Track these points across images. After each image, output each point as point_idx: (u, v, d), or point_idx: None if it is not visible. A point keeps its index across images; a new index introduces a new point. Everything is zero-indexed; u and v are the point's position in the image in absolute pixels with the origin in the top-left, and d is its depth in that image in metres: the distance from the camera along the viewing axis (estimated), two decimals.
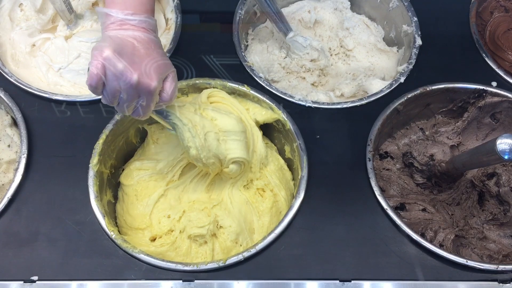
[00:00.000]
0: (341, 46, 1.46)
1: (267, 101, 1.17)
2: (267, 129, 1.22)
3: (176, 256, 1.05)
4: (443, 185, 1.19)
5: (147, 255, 0.98)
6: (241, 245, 1.07)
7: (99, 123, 1.14)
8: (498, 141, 0.93)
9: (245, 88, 1.18)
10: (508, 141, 0.93)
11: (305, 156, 1.10)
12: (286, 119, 1.14)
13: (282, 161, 1.20)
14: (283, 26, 1.35)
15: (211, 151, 1.02)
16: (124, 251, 0.98)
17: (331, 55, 1.45)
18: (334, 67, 1.44)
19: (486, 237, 1.13)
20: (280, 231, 1.01)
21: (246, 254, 0.98)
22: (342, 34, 1.45)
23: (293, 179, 1.19)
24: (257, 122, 1.17)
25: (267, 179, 1.14)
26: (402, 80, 1.23)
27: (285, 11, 1.50)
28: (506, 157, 0.93)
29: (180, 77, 1.21)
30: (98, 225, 1.01)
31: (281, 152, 1.23)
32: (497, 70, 1.24)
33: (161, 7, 1.37)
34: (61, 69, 1.21)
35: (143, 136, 1.25)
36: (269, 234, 1.00)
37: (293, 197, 1.07)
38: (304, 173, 1.08)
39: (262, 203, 1.12)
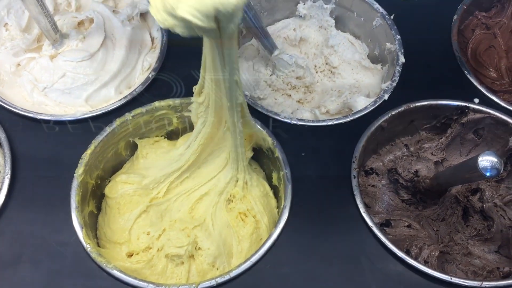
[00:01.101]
0: (326, 63, 1.47)
1: (258, 126, 1.17)
2: (257, 154, 1.23)
3: (151, 274, 1.05)
4: (428, 201, 1.20)
5: (120, 271, 0.98)
6: (217, 269, 1.07)
7: (84, 142, 1.13)
8: (480, 159, 0.94)
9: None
10: (490, 158, 0.94)
11: (289, 186, 1.10)
12: (275, 147, 1.15)
13: (268, 188, 1.20)
14: (269, 44, 1.37)
15: None
16: (98, 265, 0.98)
17: (316, 72, 1.47)
18: (319, 84, 1.45)
19: (471, 253, 1.13)
20: (256, 259, 1.00)
21: (220, 280, 0.97)
22: (327, 52, 1.47)
23: (278, 207, 1.19)
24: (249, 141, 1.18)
25: (250, 205, 1.14)
26: (386, 97, 1.24)
27: (270, 29, 1.52)
28: (487, 174, 0.94)
29: (169, 94, 1.22)
30: (81, 246, 1.01)
31: (269, 179, 1.23)
32: (479, 87, 1.25)
33: (147, 26, 1.38)
34: (46, 89, 1.20)
35: (133, 149, 1.25)
36: (245, 261, 1.00)
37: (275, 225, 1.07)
38: (288, 202, 1.08)
39: (243, 228, 1.12)
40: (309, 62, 1.47)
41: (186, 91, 1.24)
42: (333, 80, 1.46)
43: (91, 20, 1.31)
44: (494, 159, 0.94)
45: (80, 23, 1.34)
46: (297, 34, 1.48)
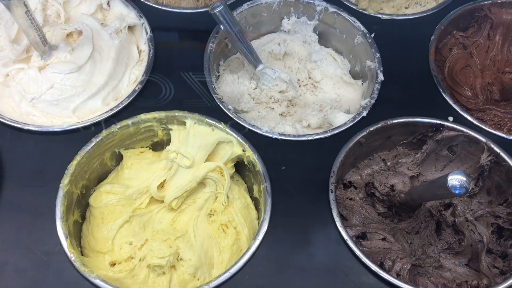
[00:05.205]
0: (309, 78, 1.52)
1: (241, 140, 1.21)
2: (240, 167, 1.27)
3: (133, 283, 1.08)
4: (403, 214, 1.25)
5: (103, 281, 1.01)
6: (198, 279, 1.10)
7: (71, 153, 1.16)
8: (450, 177, 0.99)
9: (221, 126, 1.23)
10: (459, 177, 0.99)
11: (269, 199, 1.14)
12: (256, 161, 1.19)
13: (249, 200, 1.24)
14: (253, 58, 1.41)
15: None
16: (81, 275, 1.01)
17: (299, 86, 1.51)
18: (302, 97, 1.49)
19: (442, 266, 1.18)
20: (235, 271, 1.04)
21: None
22: (310, 66, 1.52)
23: (258, 218, 1.22)
24: (231, 160, 1.23)
25: (232, 216, 1.18)
26: (364, 114, 1.29)
27: (255, 43, 1.56)
28: (456, 192, 0.98)
29: (154, 106, 1.26)
30: (66, 256, 1.03)
31: (250, 190, 1.27)
32: (453, 105, 1.31)
33: (135, 39, 1.41)
34: (34, 100, 1.23)
35: (118, 159, 1.28)
36: (224, 272, 1.04)
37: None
38: (267, 215, 1.12)
39: (224, 239, 1.15)
40: (293, 76, 1.51)
41: (171, 103, 1.27)
42: (316, 94, 1.50)
43: (80, 32, 1.34)
44: (463, 178, 0.98)
45: (69, 35, 1.37)
46: (281, 48, 1.52)
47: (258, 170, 1.18)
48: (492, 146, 1.23)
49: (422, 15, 1.49)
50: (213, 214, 1.20)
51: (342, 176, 1.30)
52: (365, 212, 1.26)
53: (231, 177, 1.24)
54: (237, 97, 1.45)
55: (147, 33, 1.38)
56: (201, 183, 1.21)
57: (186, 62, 1.36)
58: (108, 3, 1.43)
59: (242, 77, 1.48)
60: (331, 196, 1.14)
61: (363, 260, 1.05)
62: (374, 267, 1.04)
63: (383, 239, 1.19)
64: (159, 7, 1.44)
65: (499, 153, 1.23)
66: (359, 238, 1.20)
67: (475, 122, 1.28)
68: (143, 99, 1.27)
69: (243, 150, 1.21)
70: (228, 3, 1.45)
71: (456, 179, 0.98)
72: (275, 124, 1.37)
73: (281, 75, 1.43)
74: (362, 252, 1.08)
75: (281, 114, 1.45)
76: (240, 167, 1.28)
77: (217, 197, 1.21)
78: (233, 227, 1.18)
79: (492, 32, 1.52)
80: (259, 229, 1.11)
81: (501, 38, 1.52)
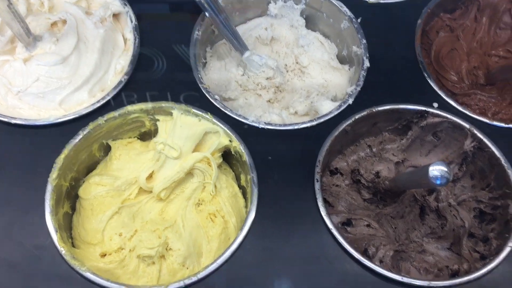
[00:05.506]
0: (297, 63, 1.52)
1: (228, 130, 1.22)
2: (227, 155, 1.28)
3: (123, 274, 1.10)
4: (388, 200, 1.28)
5: (94, 273, 1.03)
6: (187, 268, 1.13)
7: (58, 146, 1.17)
8: (431, 168, 1.01)
9: (208, 116, 1.23)
10: (440, 168, 1.01)
11: (256, 189, 1.16)
12: (243, 151, 1.20)
13: (236, 188, 1.26)
14: (240, 45, 1.40)
15: None
16: (72, 268, 1.03)
17: (287, 71, 1.51)
18: (289, 83, 1.50)
19: (425, 250, 1.22)
20: (222, 261, 1.07)
21: (187, 281, 1.04)
22: (297, 51, 1.52)
23: (246, 207, 1.24)
24: (218, 150, 1.24)
25: (220, 205, 1.20)
26: (350, 101, 1.29)
27: (242, 27, 1.55)
28: (437, 182, 1.00)
29: (141, 97, 1.26)
30: (56, 249, 1.06)
31: (238, 179, 1.29)
32: (438, 91, 1.32)
33: (120, 27, 1.40)
34: (20, 92, 1.23)
35: (107, 150, 1.29)
36: (212, 263, 1.06)
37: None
38: (254, 206, 1.14)
39: (212, 228, 1.18)
40: (280, 61, 1.51)
41: (158, 94, 1.28)
42: (303, 79, 1.50)
43: (64, 21, 1.33)
44: (444, 169, 1.00)
45: (54, 24, 1.35)
46: (268, 33, 1.52)
47: (245, 161, 1.20)
48: (476, 132, 1.25)
49: None
50: (201, 204, 1.22)
51: (328, 163, 1.32)
52: (350, 199, 1.28)
53: (219, 166, 1.26)
54: (225, 84, 1.46)
55: (132, 21, 1.37)
56: (189, 173, 1.22)
57: (172, 51, 1.36)
58: None
59: (229, 63, 1.48)
60: (317, 186, 1.16)
61: (346, 248, 1.08)
62: (357, 255, 1.07)
63: (368, 225, 1.22)
64: None
65: (482, 139, 1.24)
66: (345, 224, 1.23)
67: (460, 108, 1.29)
68: (130, 90, 1.28)
69: (230, 141, 1.22)
70: None
71: (437, 170, 1.00)
72: (262, 113, 1.38)
73: (268, 61, 1.43)
74: (347, 239, 1.11)
75: (269, 101, 1.46)
76: (228, 156, 1.29)
77: (205, 187, 1.23)
78: (221, 216, 1.20)
79: (479, 14, 1.52)
80: (246, 219, 1.13)
81: (488, 20, 1.52)
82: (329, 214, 1.15)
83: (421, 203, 1.27)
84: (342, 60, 1.52)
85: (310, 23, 1.56)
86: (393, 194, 1.26)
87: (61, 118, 1.21)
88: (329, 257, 1.09)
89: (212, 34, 1.50)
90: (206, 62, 1.50)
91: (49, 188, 1.12)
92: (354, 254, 1.07)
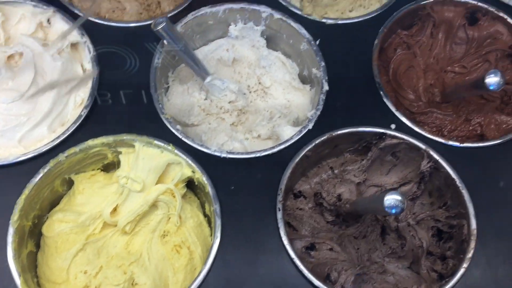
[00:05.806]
0: (259, 83, 1.53)
1: (190, 161, 1.23)
2: (192, 183, 1.29)
3: None
4: (350, 221, 1.31)
5: None
6: None
7: (18, 186, 1.17)
8: (386, 197, 1.04)
9: (170, 148, 1.24)
10: (394, 197, 1.04)
11: (219, 221, 1.18)
12: (206, 182, 1.21)
13: (202, 217, 1.28)
14: (201, 71, 1.41)
15: None
16: None
17: (250, 92, 1.53)
18: (253, 104, 1.51)
19: (386, 270, 1.26)
20: None
21: None
22: (259, 72, 1.53)
23: (211, 235, 1.26)
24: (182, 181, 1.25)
25: (185, 236, 1.22)
26: (310, 126, 1.32)
27: (204, 50, 1.56)
28: (393, 211, 1.04)
29: (102, 130, 1.26)
30: None
31: (203, 206, 1.30)
32: (395, 113, 1.35)
33: (79, 57, 1.39)
34: None
35: (70, 184, 1.29)
36: None
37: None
38: (217, 237, 1.16)
39: (178, 259, 1.19)
40: (243, 83, 1.52)
41: (119, 125, 1.28)
42: (266, 100, 1.52)
43: (21, 54, 1.32)
44: (398, 198, 1.03)
45: (10, 57, 1.34)
46: (230, 54, 1.52)
47: (208, 192, 1.21)
48: (432, 153, 1.29)
49: (366, 17, 1.49)
50: (167, 235, 1.23)
51: (292, 186, 1.34)
52: (314, 222, 1.31)
53: (183, 195, 1.27)
54: (188, 109, 1.46)
55: (90, 52, 1.36)
56: (154, 205, 1.23)
57: (132, 80, 1.36)
58: (48, 21, 1.39)
59: (192, 87, 1.49)
60: (279, 215, 1.19)
61: (307, 276, 1.11)
62: (317, 283, 1.11)
63: (331, 249, 1.25)
64: (102, 22, 1.42)
65: (438, 160, 1.28)
66: (308, 249, 1.26)
67: (416, 128, 1.32)
68: (90, 123, 1.27)
69: (193, 171, 1.24)
70: (172, 14, 1.44)
71: (391, 199, 1.03)
72: (225, 138, 1.39)
73: (230, 85, 1.45)
74: (310, 265, 1.14)
75: (232, 124, 1.47)
76: (192, 184, 1.30)
77: (169, 218, 1.24)
78: (187, 247, 1.22)
79: (435, 30, 1.55)
80: (210, 250, 1.15)
81: (444, 35, 1.55)
82: (292, 240, 1.18)
83: (381, 223, 1.30)
84: (303, 79, 1.54)
85: (272, 42, 1.58)
86: (354, 216, 1.29)
87: (21, 157, 1.20)
88: (292, 286, 1.11)
89: (173, 59, 1.50)
90: (168, 87, 1.50)
91: (11, 231, 1.11)
92: (315, 283, 1.11)
